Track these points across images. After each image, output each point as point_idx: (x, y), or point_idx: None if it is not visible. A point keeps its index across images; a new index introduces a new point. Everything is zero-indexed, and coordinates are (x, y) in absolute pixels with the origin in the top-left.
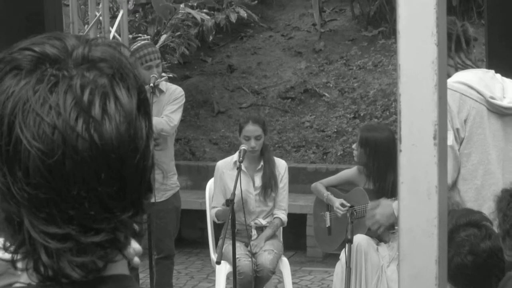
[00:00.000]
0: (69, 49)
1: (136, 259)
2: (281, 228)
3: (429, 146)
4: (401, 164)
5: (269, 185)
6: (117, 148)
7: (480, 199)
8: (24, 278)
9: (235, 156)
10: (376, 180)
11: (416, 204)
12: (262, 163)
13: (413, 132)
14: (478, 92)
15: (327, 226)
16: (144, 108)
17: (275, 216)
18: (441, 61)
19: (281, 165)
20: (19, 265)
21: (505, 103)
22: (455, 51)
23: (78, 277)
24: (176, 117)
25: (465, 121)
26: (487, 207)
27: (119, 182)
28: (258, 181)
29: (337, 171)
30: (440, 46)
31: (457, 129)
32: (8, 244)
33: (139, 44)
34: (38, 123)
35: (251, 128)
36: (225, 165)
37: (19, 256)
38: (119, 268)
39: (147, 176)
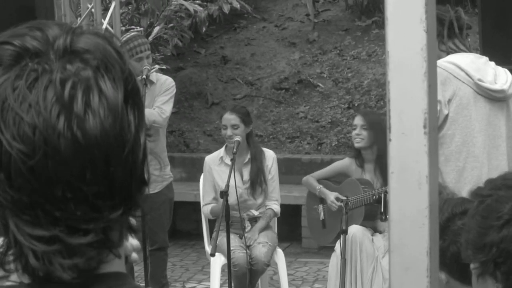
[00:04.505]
0: (51, 40)
1: (134, 255)
2: (276, 219)
3: (419, 135)
4: (391, 154)
5: (256, 181)
6: (102, 145)
7: (462, 181)
8: (14, 277)
9: (221, 151)
10: (381, 161)
11: (407, 194)
12: (249, 156)
13: (402, 121)
14: (467, 74)
15: (321, 219)
16: (132, 99)
17: (267, 207)
18: (430, 48)
19: (269, 156)
20: (10, 265)
21: (495, 86)
22: (448, 36)
23: (69, 278)
24: (168, 108)
25: (449, 100)
26: (467, 190)
27: (106, 180)
28: (246, 174)
29: (331, 161)
30: (429, 33)
31: (439, 100)
32: None
33: (128, 36)
34: (18, 122)
35: (228, 117)
36: (212, 160)
37: (8, 257)
38: (115, 265)
39: (138, 171)
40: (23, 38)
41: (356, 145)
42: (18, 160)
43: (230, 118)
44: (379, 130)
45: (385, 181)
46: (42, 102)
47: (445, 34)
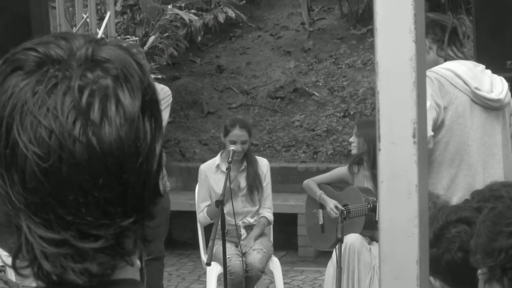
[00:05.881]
0: (74, 49)
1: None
2: (272, 227)
3: (408, 145)
4: (380, 163)
5: (254, 186)
6: (116, 152)
7: (453, 188)
8: (29, 282)
9: (217, 159)
10: (374, 168)
11: (396, 204)
12: (245, 163)
13: (392, 130)
14: (464, 82)
15: (320, 223)
16: (150, 110)
17: (261, 215)
18: (419, 58)
19: (263, 164)
20: (24, 271)
21: (491, 95)
22: (448, 43)
23: (82, 283)
24: (165, 117)
25: (445, 108)
26: (459, 197)
27: (119, 187)
28: (242, 182)
29: (327, 170)
30: (418, 43)
31: (438, 104)
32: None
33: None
34: (35, 126)
35: (238, 133)
36: (208, 168)
37: (21, 261)
38: (129, 272)
39: (151, 180)
40: (47, 45)
41: (352, 152)
42: (33, 162)
43: (240, 134)
44: (370, 138)
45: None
46: (60, 107)
47: (446, 40)
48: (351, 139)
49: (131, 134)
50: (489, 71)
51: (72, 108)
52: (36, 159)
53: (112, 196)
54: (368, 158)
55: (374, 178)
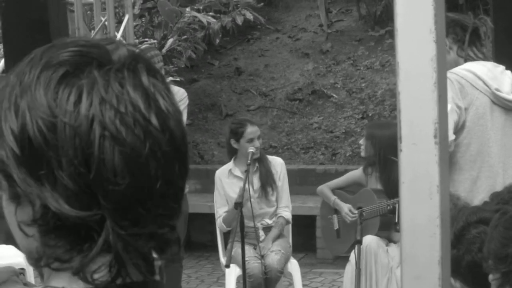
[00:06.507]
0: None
1: None
2: (290, 229)
3: (429, 145)
4: (402, 164)
5: (267, 184)
6: (183, 143)
7: (475, 190)
8: (55, 283)
9: (230, 164)
10: (382, 172)
11: (418, 204)
12: (256, 164)
13: (413, 131)
14: (485, 83)
15: (336, 229)
16: None
17: (278, 215)
18: (440, 58)
19: (277, 163)
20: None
21: (511, 96)
22: (468, 44)
23: (136, 280)
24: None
25: (465, 109)
26: (480, 199)
27: (186, 175)
28: (256, 182)
29: (346, 171)
30: (439, 43)
31: (458, 106)
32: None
33: (141, 48)
34: (119, 119)
35: (253, 129)
36: (222, 174)
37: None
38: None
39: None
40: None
41: (361, 154)
42: (124, 156)
43: (254, 130)
44: (376, 141)
45: (387, 190)
46: (135, 100)
47: (467, 40)
48: (361, 141)
49: (183, 127)
50: (509, 72)
51: (145, 100)
52: (128, 151)
53: (183, 184)
54: (375, 161)
55: (381, 181)
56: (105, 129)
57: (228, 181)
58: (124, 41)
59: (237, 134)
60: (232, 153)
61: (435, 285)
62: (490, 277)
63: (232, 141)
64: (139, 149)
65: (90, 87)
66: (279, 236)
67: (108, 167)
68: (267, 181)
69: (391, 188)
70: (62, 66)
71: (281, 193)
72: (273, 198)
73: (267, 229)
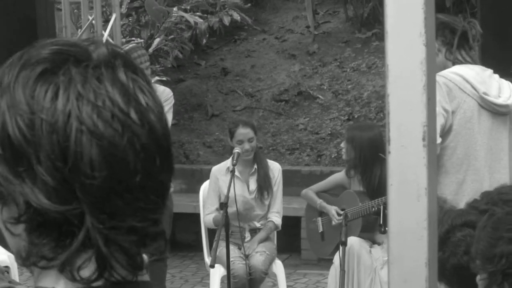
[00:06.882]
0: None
1: None
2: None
3: (418, 148)
4: (390, 166)
5: (264, 187)
6: (165, 137)
7: (460, 193)
8: (43, 282)
9: (228, 162)
10: (363, 174)
11: (406, 207)
12: (255, 166)
13: (402, 134)
14: (473, 87)
15: (320, 231)
16: None
17: (268, 219)
18: (429, 61)
19: (275, 168)
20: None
21: (499, 100)
22: (457, 47)
23: (125, 276)
24: (169, 118)
25: (453, 112)
26: (465, 203)
27: (170, 170)
28: (252, 184)
29: (331, 173)
30: (429, 46)
31: (445, 109)
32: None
33: (127, 48)
34: (96, 113)
35: (243, 131)
36: (219, 171)
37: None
38: (144, 275)
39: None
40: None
41: (343, 157)
42: (101, 148)
43: (246, 132)
44: (356, 144)
45: (369, 192)
46: (112, 95)
47: (455, 43)
48: (342, 144)
49: (164, 122)
50: (497, 76)
51: (123, 95)
52: (105, 144)
53: (167, 178)
54: (356, 164)
55: (363, 183)
56: (82, 123)
57: (225, 179)
58: (110, 41)
59: (230, 133)
60: (231, 151)
61: (422, 287)
62: (478, 277)
63: (228, 140)
64: (117, 142)
65: (67, 84)
66: (266, 239)
67: (85, 160)
68: (264, 185)
69: (373, 190)
70: (40, 64)
71: (274, 198)
72: (266, 202)
73: (253, 231)
